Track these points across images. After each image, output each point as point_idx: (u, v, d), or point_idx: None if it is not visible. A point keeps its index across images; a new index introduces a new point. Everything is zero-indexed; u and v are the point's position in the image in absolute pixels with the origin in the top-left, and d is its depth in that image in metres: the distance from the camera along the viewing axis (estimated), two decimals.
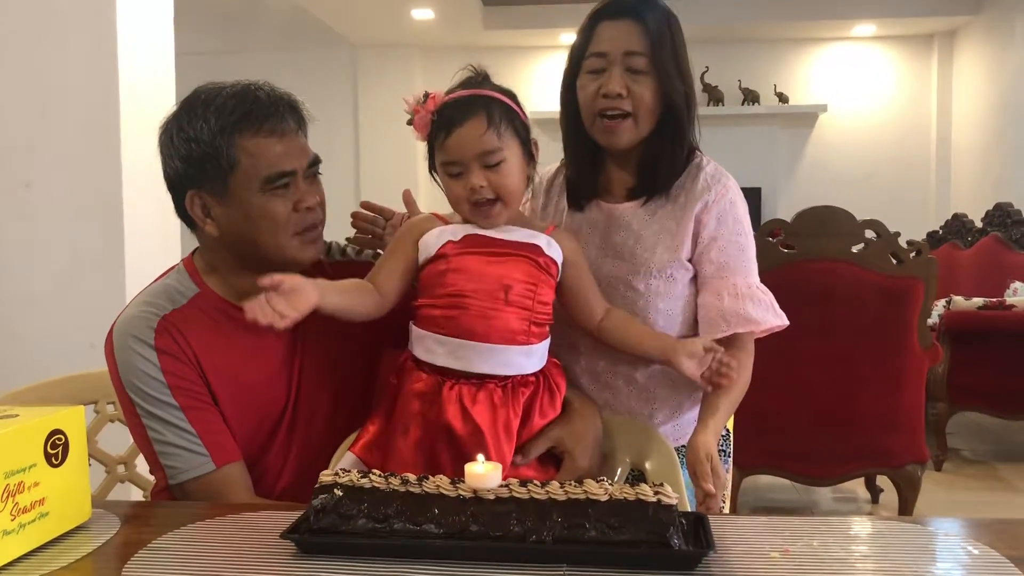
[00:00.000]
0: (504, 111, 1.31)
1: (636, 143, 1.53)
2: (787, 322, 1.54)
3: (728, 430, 1.66)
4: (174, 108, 1.40)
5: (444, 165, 1.31)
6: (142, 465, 1.69)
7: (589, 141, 1.55)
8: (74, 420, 1.07)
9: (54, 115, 2.51)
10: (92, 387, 1.69)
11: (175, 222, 2.71)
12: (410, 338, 1.33)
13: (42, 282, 2.53)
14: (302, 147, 1.39)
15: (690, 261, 1.53)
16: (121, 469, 1.73)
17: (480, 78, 1.36)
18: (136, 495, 1.78)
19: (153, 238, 2.64)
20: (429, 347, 1.30)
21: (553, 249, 1.34)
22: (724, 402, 1.45)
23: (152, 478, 1.65)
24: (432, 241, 1.32)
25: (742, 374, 1.47)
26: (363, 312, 1.32)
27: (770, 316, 1.52)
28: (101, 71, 2.50)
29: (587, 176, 1.59)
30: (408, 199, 1.58)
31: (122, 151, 2.52)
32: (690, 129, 1.55)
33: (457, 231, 1.32)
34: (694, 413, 1.54)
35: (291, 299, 1.18)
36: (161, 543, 1.03)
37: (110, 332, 1.39)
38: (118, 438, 1.77)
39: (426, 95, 1.30)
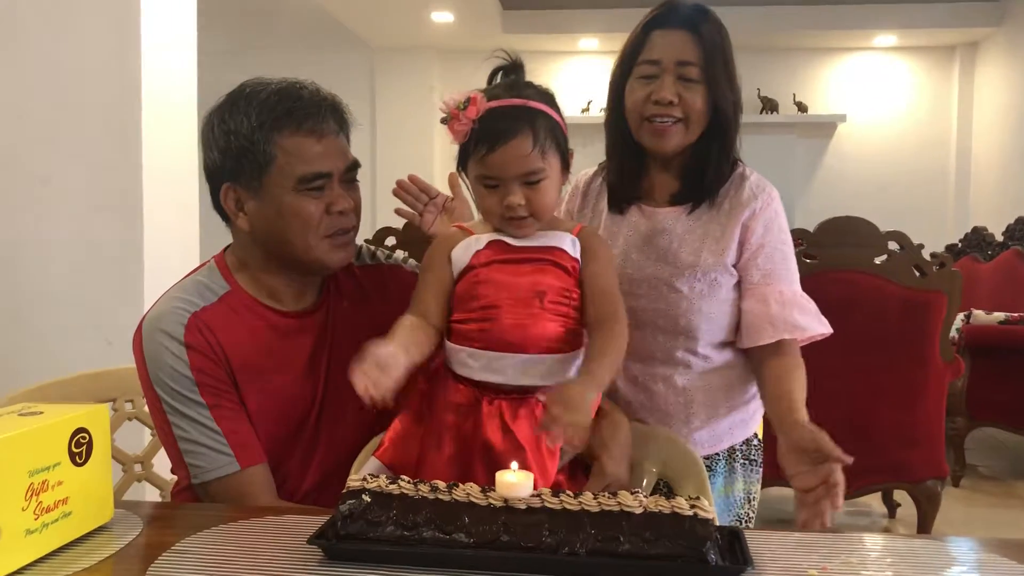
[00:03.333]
0: (549, 127, 1.26)
1: (683, 149, 1.53)
2: (831, 330, 1.53)
3: (759, 439, 1.65)
4: (220, 100, 1.40)
5: (481, 177, 1.27)
6: (159, 464, 1.68)
7: (633, 145, 1.55)
8: (99, 419, 1.06)
9: (73, 110, 2.50)
10: (110, 385, 1.68)
11: (195, 220, 2.74)
12: (445, 353, 1.30)
13: (59, 279, 2.52)
14: (341, 150, 1.38)
15: (735, 267, 1.52)
16: (138, 468, 1.72)
17: (520, 79, 1.32)
18: (152, 494, 1.77)
19: (172, 235, 2.63)
20: (464, 361, 1.25)
21: (577, 249, 1.30)
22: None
23: (171, 477, 1.64)
24: (461, 254, 1.28)
25: (796, 382, 1.46)
26: (429, 351, 1.27)
27: (815, 323, 1.51)
28: (123, 67, 2.49)
29: (630, 180, 1.58)
30: (453, 182, 1.54)
31: (143, 148, 2.51)
32: (736, 139, 1.55)
33: (481, 240, 1.29)
34: (731, 419, 1.55)
35: (386, 371, 1.13)
36: (185, 545, 1.01)
37: (139, 326, 1.37)
38: (135, 437, 1.76)
39: (467, 100, 1.23)
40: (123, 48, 2.49)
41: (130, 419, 1.68)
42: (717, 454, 1.58)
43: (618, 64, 1.58)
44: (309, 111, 1.34)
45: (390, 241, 3.80)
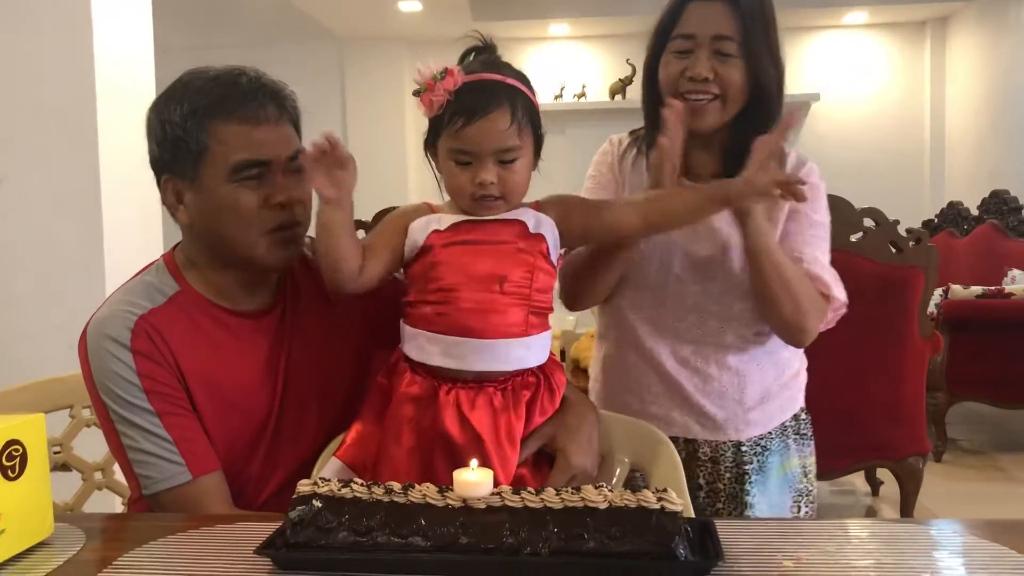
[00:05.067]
0: (526, 105, 1.23)
1: (721, 126, 1.48)
2: (846, 300, 1.52)
3: (806, 412, 1.65)
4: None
5: (453, 152, 1.22)
6: (120, 473, 1.63)
7: None
8: (33, 429, 1.00)
9: (29, 109, 2.46)
10: (68, 390, 1.63)
11: (156, 219, 2.68)
12: (402, 337, 1.26)
13: (19, 282, 2.47)
14: (283, 137, 1.31)
15: None
16: (99, 476, 1.66)
17: (496, 58, 1.28)
18: (115, 502, 1.71)
19: (133, 235, 2.58)
20: (422, 346, 1.22)
21: (543, 224, 1.25)
22: None
23: None
24: (419, 228, 1.24)
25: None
26: (344, 268, 1.23)
27: (836, 288, 1.50)
28: (77, 64, 2.45)
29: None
30: None
31: (100, 147, 2.46)
32: (778, 115, 1.48)
33: (444, 219, 1.24)
34: (781, 397, 1.57)
35: (346, 167, 1.19)
36: (127, 559, 0.96)
37: (84, 332, 1.31)
38: (95, 444, 1.70)
39: (444, 71, 1.19)
40: (76, 44, 2.45)
41: (89, 426, 1.63)
42: (770, 432, 1.58)
43: (652, 38, 1.52)
44: (244, 97, 1.27)
45: (360, 234, 3.73)
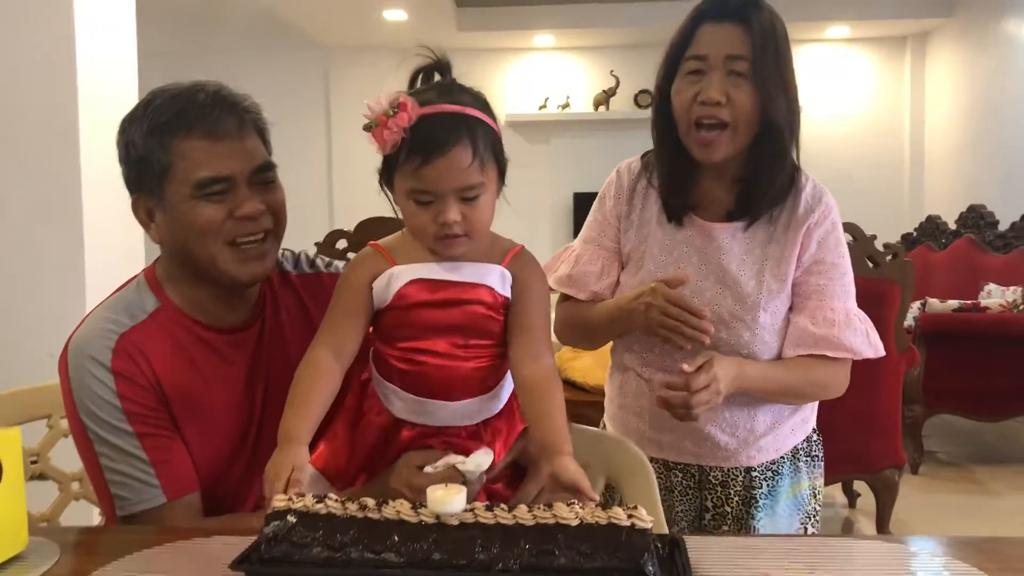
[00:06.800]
0: (487, 136, 1.14)
1: (732, 156, 1.46)
2: (883, 352, 1.52)
3: (817, 433, 1.65)
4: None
5: (413, 192, 1.14)
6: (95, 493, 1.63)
7: (683, 152, 1.48)
8: (8, 443, 1.00)
9: (10, 115, 2.44)
10: (45, 400, 1.62)
11: (137, 227, 2.67)
12: (373, 365, 1.25)
13: None
14: (245, 151, 1.30)
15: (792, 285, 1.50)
16: (76, 486, 1.66)
17: (453, 83, 1.18)
18: (92, 513, 1.71)
19: (115, 244, 2.58)
20: (388, 396, 1.21)
21: (507, 284, 1.19)
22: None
23: None
24: (382, 290, 1.18)
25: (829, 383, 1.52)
26: (337, 389, 1.19)
27: (864, 347, 1.48)
28: (59, 70, 2.44)
29: (681, 189, 1.51)
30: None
31: (81, 153, 2.45)
32: (792, 148, 1.47)
33: (399, 278, 1.17)
34: (792, 421, 1.56)
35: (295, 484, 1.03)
36: (102, 574, 0.96)
37: (65, 349, 1.31)
38: (73, 454, 1.70)
39: (396, 105, 1.10)
40: (58, 50, 2.44)
41: (66, 436, 1.62)
42: (782, 457, 1.57)
43: (664, 61, 1.49)
44: (202, 113, 1.26)
45: (341, 244, 3.72)
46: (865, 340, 1.48)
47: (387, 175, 1.17)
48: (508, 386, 1.24)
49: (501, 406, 1.23)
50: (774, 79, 1.42)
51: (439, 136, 1.10)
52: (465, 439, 1.21)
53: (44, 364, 2.38)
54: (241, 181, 1.28)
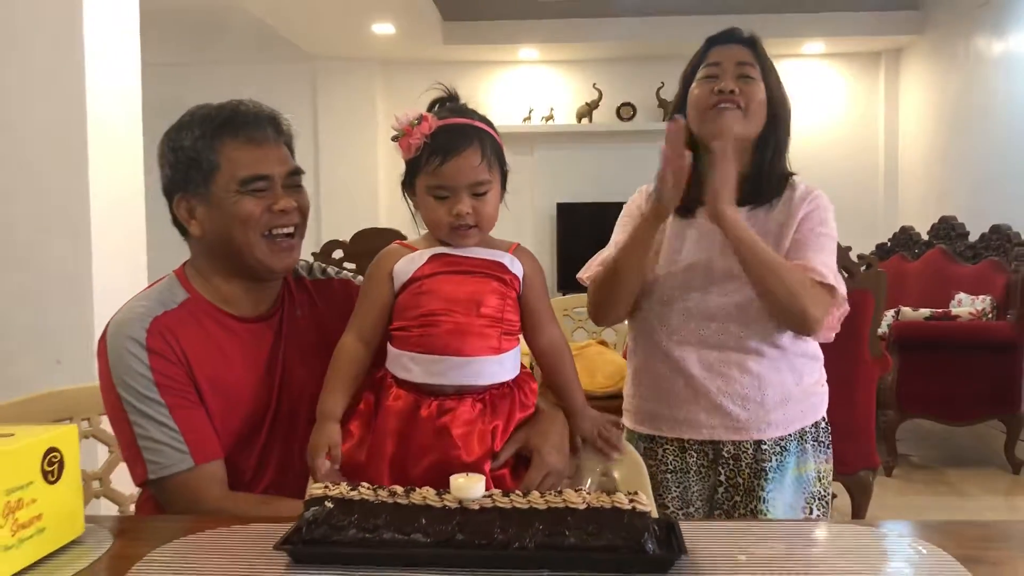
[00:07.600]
0: (493, 144, 1.39)
1: (741, 149, 1.67)
2: (845, 294, 1.69)
3: (826, 422, 1.80)
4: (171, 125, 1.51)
5: (432, 188, 1.37)
6: (116, 481, 1.72)
7: (695, 154, 1.63)
8: (69, 438, 1.11)
9: (18, 128, 2.51)
10: (65, 404, 1.71)
11: (142, 238, 2.76)
12: (388, 358, 1.39)
13: (9, 300, 2.52)
14: (281, 156, 1.49)
15: None
16: (96, 485, 1.75)
17: (463, 105, 1.43)
18: (113, 511, 1.80)
19: (121, 254, 2.65)
20: (405, 365, 1.36)
21: (516, 266, 1.41)
22: None
23: (129, 492, 1.68)
24: (403, 269, 1.39)
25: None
26: (365, 374, 1.41)
27: (832, 278, 1.65)
28: (67, 84, 2.50)
29: (695, 184, 1.65)
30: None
31: (89, 165, 2.52)
32: (787, 148, 1.75)
33: (423, 255, 1.39)
34: (803, 403, 1.73)
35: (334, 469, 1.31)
36: (157, 555, 1.06)
37: (104, 331, 1.45)
38: (92, 455, 1.79)
39: (420, 118, 1.35)
40: (66, 64, 2.49)
41: (86, 437, 1.72)
42: (790, 435, 1.73)
43: (682, 79, 1.77)
44: (247, 120, 1.46)
45: (337, 254, 3.83)
46: (837, 279, 1.66)
47: (409, 179, 1.40)
48: (515, 358, 1.41)
49: (509, 375, 1.39)
50: (777, 85, 1.73)
51: (454, 141, 1.35)
52: (479, 412, 1.35)
53: (53, 370, 2.49)
54: (278, 181, 1.46)
